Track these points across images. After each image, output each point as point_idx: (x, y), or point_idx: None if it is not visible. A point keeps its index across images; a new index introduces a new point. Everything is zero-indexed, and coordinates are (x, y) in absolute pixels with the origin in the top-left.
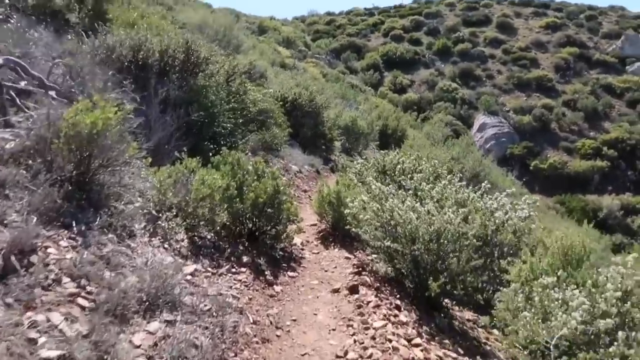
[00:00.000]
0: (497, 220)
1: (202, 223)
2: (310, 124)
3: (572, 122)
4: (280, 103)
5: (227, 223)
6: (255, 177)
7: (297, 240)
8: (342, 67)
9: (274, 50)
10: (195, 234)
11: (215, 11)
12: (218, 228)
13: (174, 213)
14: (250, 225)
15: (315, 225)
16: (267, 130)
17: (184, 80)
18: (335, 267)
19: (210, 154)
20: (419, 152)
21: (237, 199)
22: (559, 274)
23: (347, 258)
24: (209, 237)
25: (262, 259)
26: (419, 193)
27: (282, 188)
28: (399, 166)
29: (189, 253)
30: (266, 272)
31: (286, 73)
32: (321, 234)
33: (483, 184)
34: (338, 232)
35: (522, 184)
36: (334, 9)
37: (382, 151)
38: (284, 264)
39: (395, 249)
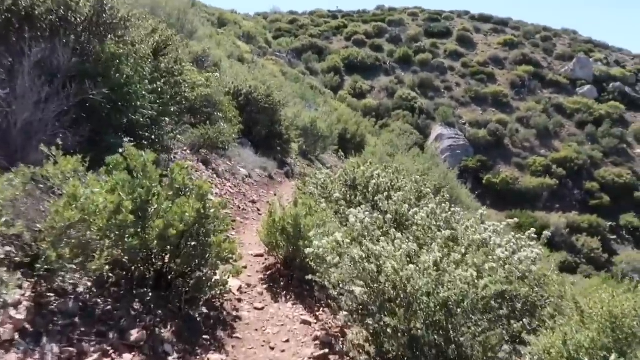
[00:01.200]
0: (516, 271)
1: (63, 269)
2: (265, 122)
3: (524, 139)
4: (233, 97)
5: (121, 261)
6: (171, 194)
7: (234, 282)
8: (303, 68)
9: (233, 44)
10: (50, 286)
11: None
12: (97, 274)
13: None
14: (158, 266)
15: (261, 256)
16: (212, 124)
17: (88, 44)
18: (287, 341)
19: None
20: (389, 163)
21: (136, 229)
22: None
23: (305, 322)
24: (80, 290)
25: (169, 327)
26: (404, 220)
27: (211, 211)
28: (373, 181)
29: (17, 334)
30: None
31: (243, 66)
32: (269, 272)
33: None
34: (293, 272)
35: (476, 198)
36: (297, 9)
37: (346, 158)
38: (205, 335)
39: (385, 324)
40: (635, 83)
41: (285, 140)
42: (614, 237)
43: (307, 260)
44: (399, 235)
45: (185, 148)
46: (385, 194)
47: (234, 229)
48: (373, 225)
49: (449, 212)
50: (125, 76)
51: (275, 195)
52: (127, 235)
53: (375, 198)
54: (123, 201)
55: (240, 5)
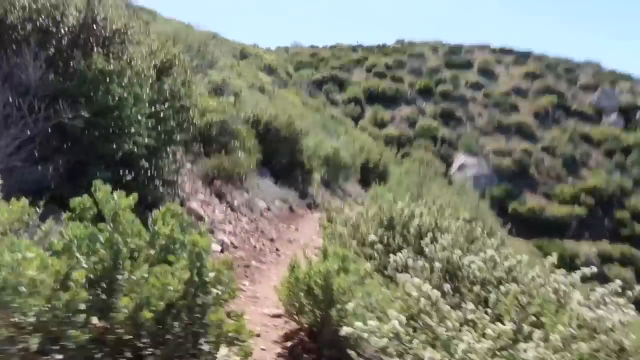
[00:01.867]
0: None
1: None
2: (286, 151)
3: (550, 168)
4: (252, 126)
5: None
6: (152, 253)
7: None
8: (324, 99)
9: (254, 75)
10: None
11: (192, 28)
12: None
13: None
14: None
15: (280, 317)
16: (228, 154)
17: (72, 59)
18: None
19: (115, 186)
20: (422, 194)
21: (99, 307)
22: None
23: None
24: None
25: None
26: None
27: (210, 276)
28: (415, 221)
29: None
30: None
31: (263, 95)
32: (290, 343)
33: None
34: (322, 348)
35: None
36: (317, 43)
37: (369, 187)
38: None
39: None
40: None
41: (306, 170)
42: None
43: (342, 335)
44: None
45: (196, 180)
46: (429, 235)
47: (247, 276)
48: (439, 296)
49: (512, 260)
50: (116, 98)
51: (296, 230)
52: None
53: (420, 241)
54: (74, 269)
55: (261, 40)
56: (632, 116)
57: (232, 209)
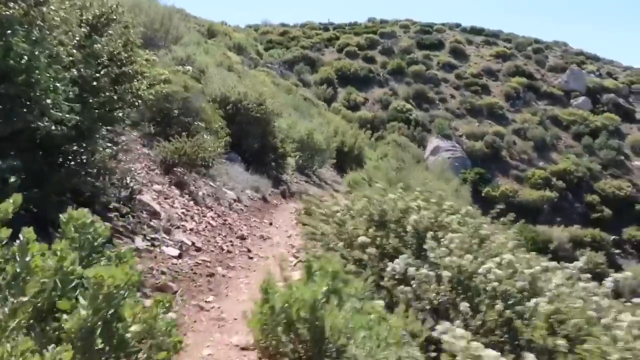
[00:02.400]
0: None
1: None
2: (257, 134)
3: (522, 151)
4: (219, 105)
5: None
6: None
7: None
8: (295, 79)
9: (223, 54)
10: None
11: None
12: None
13: None
14: None
15: (249, 349)
16: (191, 137)
17: None
18: None
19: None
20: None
21: None
22: None
23: None
24: None
25: None
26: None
27: (131, 333)
28: (412, 217)
29: None
30: None
31: (232, 75)
32: None
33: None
34: None
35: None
36: (288, 21)
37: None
38: None
39: None
40: (629, 95)
41: (280, 155)
42: (618, 251)
43: None
44: None
45: (153, 167)
46: (430, 234)
47: (211, 289)
48: None
49: (536, 266)
50: (22, 56)
51: (270, 224)
52: None
53: (419, 243)
54: None
55: (230, 18)
56: (600, 98)
57: (196, 202)
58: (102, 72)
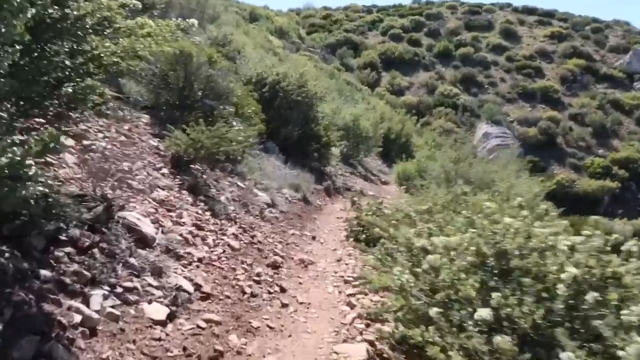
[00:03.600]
0: None
1: None
2: (298, 120)
3: (579, 138)
4: (254, 87)
5: None
6: None
7: None
8: (338, 64)
9: (264, 37)
10: None
11: None
12: None
13: None
14: None
15: None
16: (212, 124)
17: None
18: None
19: None
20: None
21: None
22: None
23: None
24: None
25: None
26: None
27: None
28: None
29: None
30: None
31: (271, 57)
32: None
33: None
34: None
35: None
36: (330, 4)
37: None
38: None
39: None
40: None
41: (323, 144)
42: None
43: None
44: None
45: (160, 165)
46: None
47: None
48: None
49: None
50: None
51: (313, 238)
52: None
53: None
54: None
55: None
56: None
57: (214, 213)
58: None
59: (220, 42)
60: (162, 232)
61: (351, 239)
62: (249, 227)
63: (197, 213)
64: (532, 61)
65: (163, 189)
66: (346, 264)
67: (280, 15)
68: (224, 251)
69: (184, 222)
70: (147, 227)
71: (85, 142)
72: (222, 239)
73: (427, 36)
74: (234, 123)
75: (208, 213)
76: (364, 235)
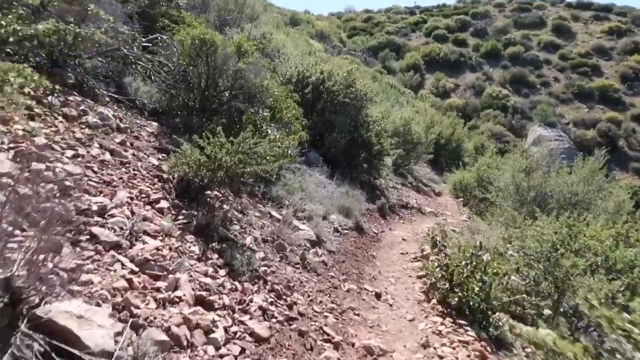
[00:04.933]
0: None
1: None
2: (345, 125)
3: None
4: (295, 88)
5: None
6: None
7: None
8: (379, 67)
9: (305, 41)
10: None
11: None
12: None
13: None
14: None
15: None
16: (238, 131)
17: None
18: None
19: None
20: None
21: None
22: None
23: None
24: None
25: None
26: None
27: None
28: None
29: None
30: None
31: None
32: None
33: None
34: None
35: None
36: (372, 6)
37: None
38: None
39: None
40: None
41: (375, 154)
42: None
43: None
44: None
45: (157, 195)
46: None
47: None
48: None
49: None
50: None
51: (376, 295)
52: None
53: None
54: None
55: (313, 6)
56: None
57: (232, 270)
58: None
59: (258, 40)
60: (130, 338)
61: (434, 300)
62: (286, 288)
63: (205, 275)
64: (589, 59)
65: (154, 237)
66: (439, 357)
67: (321, 19)
68: (243, 351)
69: (178, 299)
70: (95, 334)
71: (36, 165)
72: (241, 323)
73: (474, 36)
74: (269, 131)
75: (223, 271)
76: (456, 297)
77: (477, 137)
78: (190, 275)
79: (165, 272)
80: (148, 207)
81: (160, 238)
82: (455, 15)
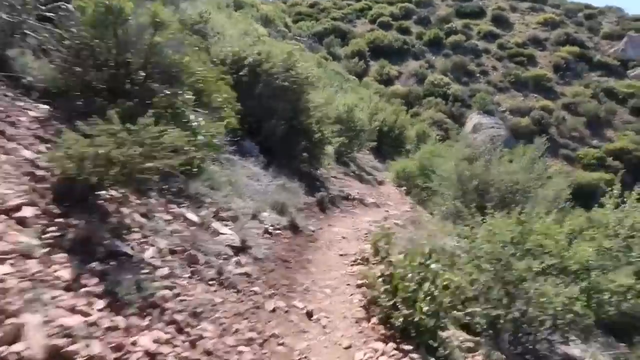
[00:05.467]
0: None
1: None
2: (284, 112)
3: (573, 128)
4: (229, 70)
5: None
6: None
7: None
8: (325, 53)
9: (249, 24)
10: None
11: None
12: None
13: None
14: None
15: None
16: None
17: None
18: None
19: None
20: None
21: None
22: None
23: None
24: None
25: None
26: None
27: None
28: None
29: None
30: None
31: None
32: None
33: None
34: None
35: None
36: None
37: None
38: None
39: None
40: None
41: (316, 142)
42: None
43: None
44: None
45: (22, 199)
46: None
47: None
48: None
49: None
50: None
51: (309, 316)
52: None
53: None
54: None
55: None
56: None
57: (116, 298)
58: None
59: (194, 19)
60: None
61: (374, 319)
62: (192, 316)
63: (73, 311)
64: (525, 49)
65: (1, 261)
66: None
67: (265, 3)
68: None
69: (16, 357)
70: None
71: None
72: None
73: (417, 24)
74: (192, 116)
75: (102, 302)
76: (400, 316)
77: (419, 125)
78: (47, 316)
79: (2, 316)
80: (2, 216)
81: (11, 262)
82: (400, 2)
